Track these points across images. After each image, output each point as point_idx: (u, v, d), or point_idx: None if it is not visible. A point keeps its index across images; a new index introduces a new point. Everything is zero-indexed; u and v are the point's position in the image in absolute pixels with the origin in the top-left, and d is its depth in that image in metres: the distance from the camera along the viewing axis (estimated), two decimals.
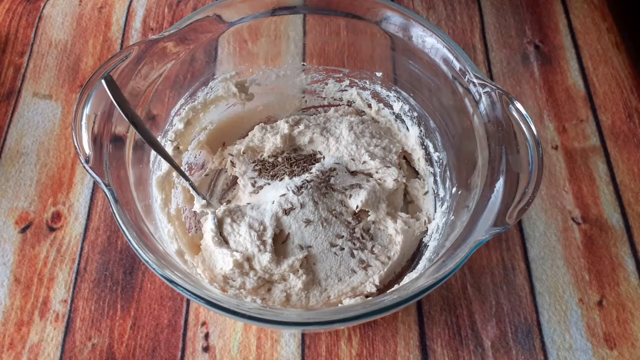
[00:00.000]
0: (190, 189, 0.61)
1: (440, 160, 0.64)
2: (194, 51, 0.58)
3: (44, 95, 0.75)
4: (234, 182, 0.68)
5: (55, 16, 0.82)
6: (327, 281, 0.58)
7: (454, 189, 0.60)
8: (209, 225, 0.58)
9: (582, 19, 0.81)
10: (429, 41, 0.58)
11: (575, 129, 0.72)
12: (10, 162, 0.70)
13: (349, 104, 0.71)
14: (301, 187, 0.59)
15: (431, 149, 0.65)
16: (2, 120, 0.73)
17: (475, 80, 0.54)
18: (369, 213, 0.60)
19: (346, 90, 0.70)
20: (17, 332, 0.59)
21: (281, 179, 0.62)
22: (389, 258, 0.59)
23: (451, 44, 0.56)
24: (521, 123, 0.51)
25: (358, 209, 0.59)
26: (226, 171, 0.68)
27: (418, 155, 0.67)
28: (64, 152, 0.71)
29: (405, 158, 0.69)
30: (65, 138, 0.72)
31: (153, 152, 0.60)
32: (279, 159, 0.65)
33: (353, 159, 0.64)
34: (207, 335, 0.59)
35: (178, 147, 0.64)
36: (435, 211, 0.63)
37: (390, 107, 0.68)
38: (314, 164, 0.64)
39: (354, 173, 0.63)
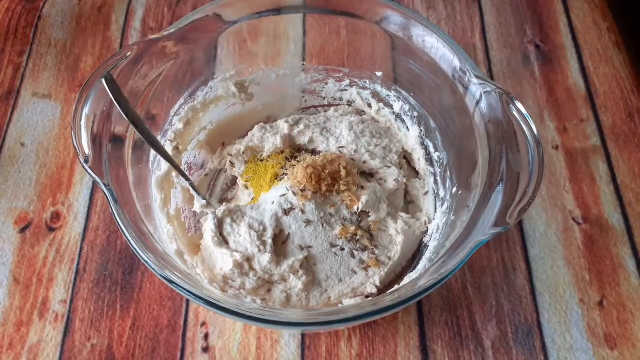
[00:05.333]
0: (190, 188, 0.61)
1: (441, 160, 0.64)
2: (194, 51, 0.58)
3: (44, 95, 0.75)
4: (233, 182, 0.68)
5: (55, 16, 0.82)
6: (328, 282, 0.58)
7: (455, 189, 0.60)
8: (209, 226, 0.58)
9: (582, 19, 0.81)
10: (429, 41, 0.58)
11: (576, 128, 0.72)
12: (9, 162, 0.70)
13: (349, 103, 0.71)
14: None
15: (431, 149, 0.65)
16: (1, 120, 0.73)
17: (476, 80, 0.54)
18: (370, 213, 0.60)
19: (346, 90, 0.69)
20: (17, 332, 0.59)
21: (281, 179, 0.62)
22: (389, 258, 0.59)
23: (451, 43, 0.56)
24: (522, 123, 0.50)
25: (359, 210, 0.59)
26: (226, 171, 0.68)
27: (418, 155, 0.67)
28: (64, 152, 0.70)
29: (406, 158, 0.69)
30: (64, 138, 0.71)
31: (152, 152, 0.60)
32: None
33: (353, 159, 0.64)
34: (206, 336, 0.59)
35: (177, 147, 0.63)
36: (436, 211, 0.63)
37: (391, 106, 0.68)
38: None
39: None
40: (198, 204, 0.61)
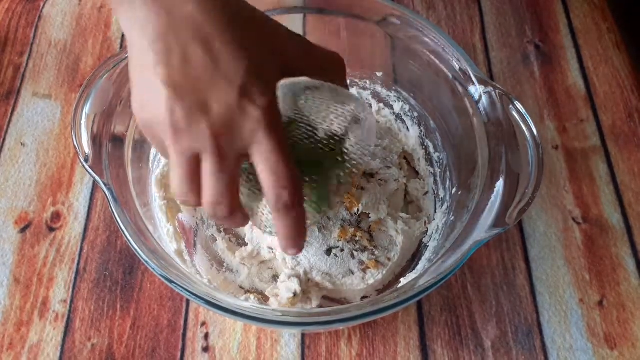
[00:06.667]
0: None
1: (441, 161, 0.64)
2: None
3: (44, 95, 0.75)
4: None
5: (55, 16, 0.82)
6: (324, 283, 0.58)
7: (454, 190, 0.60)
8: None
9: (582, 19, 0.81)
10: (429, 41, 0.58)
11: (576, 128, 0.72)
12: (9, 162, 0.70)
13: None
14: None
15: (431, 149, 0.65)
16: (1, 120, 0.73)
17: (476, 80, 0.54)
18: (370, 214, 0.60)
19: None
20: (17, 332, 0.59)
21: None
22: (389, 259, 0.59)
23: (451, 44, 0.56)
24: (521, 123, 0.50)
25: (359, 212, 0.59)
26: None
27: (418, 156, 0.67)
28: (64, 152, 0.71)
29: (406, 158, 0.69)
30: (65, 138, 0.72)
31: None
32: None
33: None
34: (206, 336, 0.59)
35: None
36: (436, 212, 0.63)
37: (391, 107, 0.68)
38: None
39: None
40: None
